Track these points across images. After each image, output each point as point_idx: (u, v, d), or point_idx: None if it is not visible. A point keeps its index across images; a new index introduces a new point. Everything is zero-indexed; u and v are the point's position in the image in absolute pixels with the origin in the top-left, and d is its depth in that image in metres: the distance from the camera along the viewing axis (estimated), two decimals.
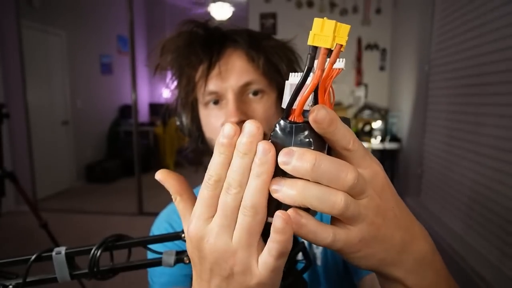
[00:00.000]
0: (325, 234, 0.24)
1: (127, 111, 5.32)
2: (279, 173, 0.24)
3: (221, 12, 4.31)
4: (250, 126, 0.23)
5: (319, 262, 0.62)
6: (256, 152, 0.23)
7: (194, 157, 6.33)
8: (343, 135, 0.24)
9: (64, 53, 4.37)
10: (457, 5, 1.79)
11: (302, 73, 0.23)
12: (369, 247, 0.25)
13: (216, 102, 0.59)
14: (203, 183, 0.26)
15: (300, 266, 0.47)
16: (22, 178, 2.43)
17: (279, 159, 0.23)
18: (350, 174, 0.23)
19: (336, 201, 0.22)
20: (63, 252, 0.41)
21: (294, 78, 0.25)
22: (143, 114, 5.93)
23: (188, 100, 0.62)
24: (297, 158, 0.22)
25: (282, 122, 0.24)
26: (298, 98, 0.23)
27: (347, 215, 0.23)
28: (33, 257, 0.41)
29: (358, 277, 0.59)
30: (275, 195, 0.24)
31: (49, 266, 0.42)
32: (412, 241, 0.27)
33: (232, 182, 0.24)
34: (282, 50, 0.61)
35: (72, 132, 4.56)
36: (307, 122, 0.23)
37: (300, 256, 0.46)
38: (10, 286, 0.42)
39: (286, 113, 0.24)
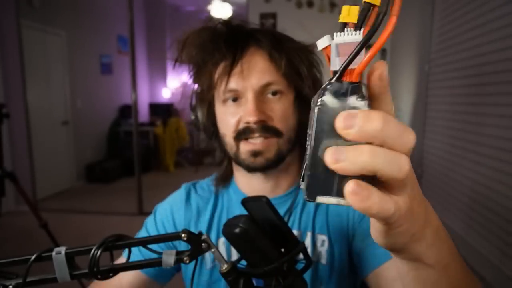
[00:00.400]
0: (389, 204, 0.22)
1: (127, 111, 5.32)
2: (330, 140, 0.21)
3: (221, 12, 4.31)
4: None
5: (323, 261, 0.62)
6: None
7: (194, 157, 6.33)
8: (390, 98, 0.23)
9: (64, 53, 4.37)
10: (457, 4, 1.79)
11: (372, 25, 0.21)
12: (407, 221, 0.24)
13: (234, 100, 0.60)
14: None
15: (300, 266, 0.47)
16: (22, 178, 2.43)
17: (339, 124, 0.20)
18: (412, 135, 0.21)
19: (402, 163, 0.21)
20: (63, 252, 0.41)
21: (341, 37, 0.21)
22: (143, 114, 5.92)
23: (207, 95, 0.63)
24: (363, 120, 0.20)
25: (337, 83, 0.22)
26: (359, 56, 0.21)
27: (406, 180, 0.22)
28: (33, 257, 0.41)
29: (363, 274, 0.59)
30: (335, 166, 0.21)
31: (49, 266, 0.42)
32: (428, 214, 0.27)
33: None
34: (304, 53, 0.62)
35: (72, 132, 4.55)
36: (361, 82, 0.22)
37: (300, 256, 0.46)
38: (10, 286, 0.42)
39: (340, 73, 0.22)
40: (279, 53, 0.59)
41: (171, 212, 0.71)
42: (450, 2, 1.88)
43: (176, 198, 0.73)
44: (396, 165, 0.21)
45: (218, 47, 0.59)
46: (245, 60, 0.58)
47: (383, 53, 3.28)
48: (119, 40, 5.52)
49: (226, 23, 0.62)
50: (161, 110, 5.90)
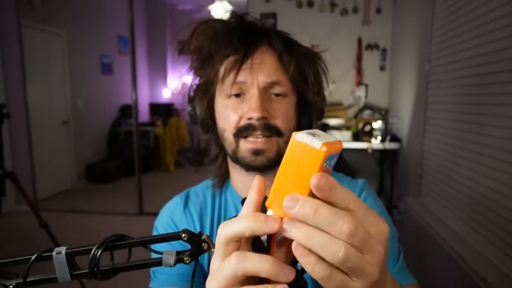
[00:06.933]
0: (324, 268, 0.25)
1: (127, 111, 5.33)
2: None
3: (221, 12, 4.31)
4: None
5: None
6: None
7: (194, 157, 6.31)
8: (343, 198, 0.26)
9: (64, 53, 4.37)
10: (457, 4, 1.79)
11: None
12: None
13: (237, 95, 0.60)
14: None
15: (301, 266, 0.46)
16: (22, 178, 2.43)
17: (284, 203, 0.26)
18: (346, 224, 0.24)
19: (334, 249, 0.24)
20: (63, 252, 0.41)
21: None
22: (143, 114, 5.93)
23: (210, 88, 0.62)
24: (300, 203, 0.25)
25: None
26: None
27: (347, 266, 0.25)
28: (34, 257, 0.41)
29: None
30: (284, 234, 0.26)
31: (49, 266, 0.42)
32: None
33: None
34: (312, 58, 0.62)
35: (72, 132, 4.56)
36: None
37: None
38: (11, 286, 0.42)
39: None
40: (289, 56, 0.59)
41: (173, 223, 0.69)
42: (450, 2, 1.88)
43: (173, 209, 0.71)
44: (328, 249, 0.24)
45: (232, 40, 0.58)
46: (255, 56, 0.58)
47: (383, 53, 3.29)
48: (119, 40, 5.52)
49: (240, 17, 0.62)
50: (161, 110, 5.90)
